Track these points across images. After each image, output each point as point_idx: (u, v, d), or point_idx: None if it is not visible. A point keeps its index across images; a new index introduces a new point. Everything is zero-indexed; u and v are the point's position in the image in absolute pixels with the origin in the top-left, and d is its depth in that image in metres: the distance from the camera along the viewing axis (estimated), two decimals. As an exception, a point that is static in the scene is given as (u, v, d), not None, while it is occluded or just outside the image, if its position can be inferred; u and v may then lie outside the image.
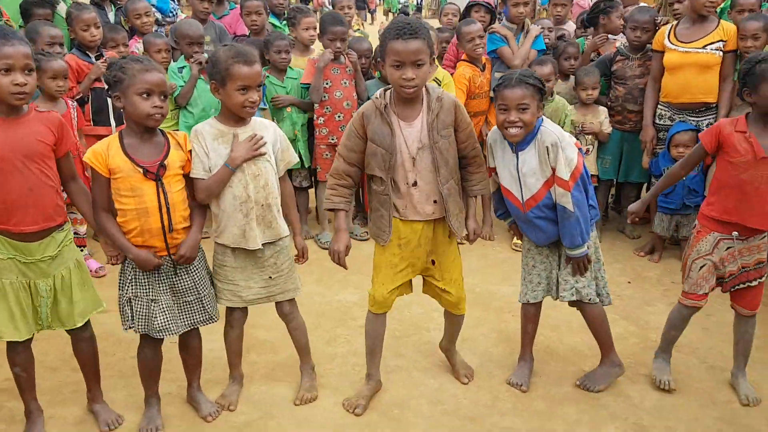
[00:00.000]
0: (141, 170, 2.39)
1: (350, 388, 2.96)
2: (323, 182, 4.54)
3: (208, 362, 2.91)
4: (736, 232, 2.78)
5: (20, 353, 2.51)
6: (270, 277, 2.71)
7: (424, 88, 2.57)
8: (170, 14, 5.94)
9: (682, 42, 4.18)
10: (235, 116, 2.56)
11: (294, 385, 2.98)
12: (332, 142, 4.55)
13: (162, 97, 2.39)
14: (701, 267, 2.85)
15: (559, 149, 2.64)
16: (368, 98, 4.51)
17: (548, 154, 2.64)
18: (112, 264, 2.58)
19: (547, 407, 2.89)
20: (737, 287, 2.88)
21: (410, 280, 2.83)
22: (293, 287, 2.79)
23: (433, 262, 2.77)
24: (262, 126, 2.64)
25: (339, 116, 4.53)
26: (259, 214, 2.59)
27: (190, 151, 2.53)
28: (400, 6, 35.06)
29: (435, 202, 2.65)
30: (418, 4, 38.13)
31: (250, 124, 2.60)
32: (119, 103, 2.38)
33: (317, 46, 4.89)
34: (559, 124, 4.49)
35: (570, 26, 5.62)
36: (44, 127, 2.36)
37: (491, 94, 4.72)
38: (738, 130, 2.72)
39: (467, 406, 2.88)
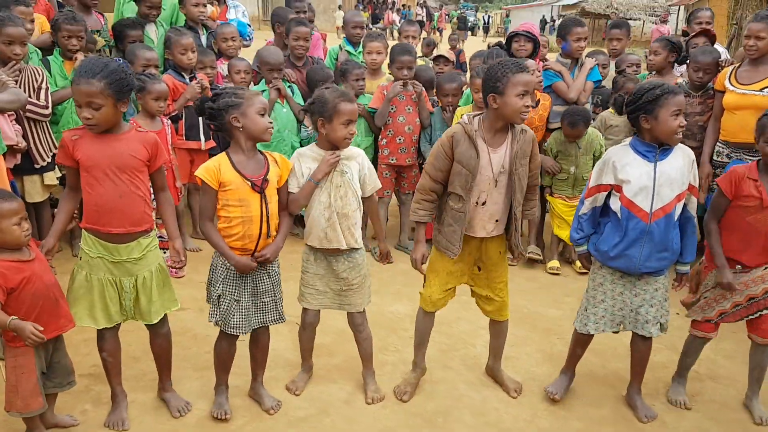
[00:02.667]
0: (249, 183, 2.72)
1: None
2: (381, 198, 4.85)
3: (270, 360, 3.16)
4: (739, 266, 2.99)
5: (107, 340, 2.81)
6: (341, 289, 3.02)
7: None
8: (247, 38, 6.37)
9: (741, 84, 4.27)
10: (332, 146, 2.89)
11: (348, 387, 3.24)
12: (392, 162, 4.89)
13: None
14: (705, 299, 3.11)
15: (695, 163, 2.88)
16: (430, 125, 4.81)
17: (692, 168, 2.84)
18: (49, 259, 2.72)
19: (584, 427, 3.04)
20: (751, 317, 3.02)
21: (455, 288, 3.14)
22: (361, 301, 3.08)
23: (479, 269, 3.05)
24: (351, 153, 2.97)
25: (400, 139, 4.85)
26: (336, 221, 2.91)
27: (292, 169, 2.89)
28: (470, 22, 35.15)
29: (497, 221, 2.93)
30: (485, 23, 38.35)
31: (342, 151, 2.93)
32: (237, 123, 2.69)
33: (386, 68, 5.17)
34: (593, 155, 4.67)
35: (632, 58, 5.64)
36: (140, 145, 2.68)
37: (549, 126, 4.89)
38: (750, 177, 2.92)
39: (507, 420, 3.06)
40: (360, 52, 5.59)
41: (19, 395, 2.53)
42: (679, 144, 2.87)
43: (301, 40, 5.20)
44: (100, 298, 2.71)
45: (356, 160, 2.97)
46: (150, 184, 2.77)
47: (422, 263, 3.03)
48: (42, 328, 2.42)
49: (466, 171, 2.82)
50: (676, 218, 2.86)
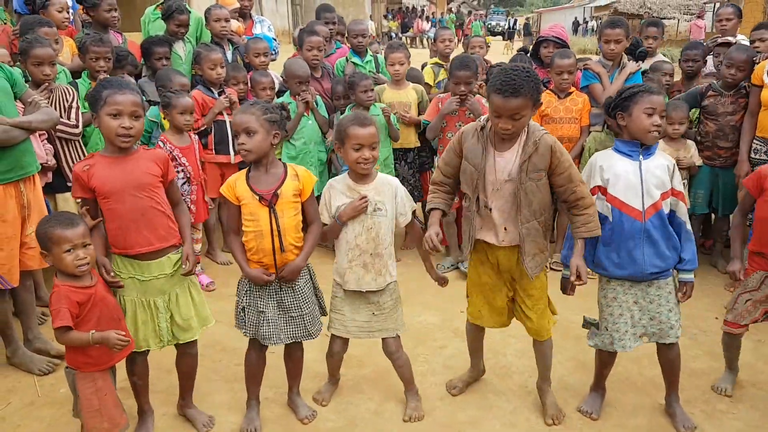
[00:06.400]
0: (257, 198, 2.74)
1: (429, 403, 3.16)
2: (446, 219, 4.76)
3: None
4: None
5: (138, 364, 2.82)
6: (373, 314, 2.99)
7: (525, 126, 2.71)
8: (273, 52, 6.44)
9: None
10: (357, 174, 2.87)
11: (377, 398, 3.22)
12: None
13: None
14: (746, 301, 3.05)
15: (677, 169, 2.86)
16: None
17: (673, 171, 2.82)
18: (112, 287, 2.69)
19: (619, 436, 2.96)
20: None
21: (510, 316, 3.06)
22: (394, 326, 3.03)
23: (513, 278, 2.94)
24: (385, 182, 2.93)
25: None
26: (368, 262, 2.89)
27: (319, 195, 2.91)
28: (494, 25, 34.67)
29: (505, 229, 2.81)
30: (510, 28, 37.82)
31: (373, 183, 2.90)
32: (277, 139, 2.74)
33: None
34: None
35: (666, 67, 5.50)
36: (152, 163, 2.71)
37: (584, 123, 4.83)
38: None
39: (539, 430, 3.00)
40: (367, 62, 5.58)
41: (105, 416, 2.54)
42: (660, 151, 2.89)
43: (314, 50, 5.18)
44: (132, 320, 2.72)
45: (390, 191, 2.91)
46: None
47: (435, 241, 2.76)
48: (124, 333, 2.48)
49: (471, 168, 2.78)
50: (667, 215, 2.82)
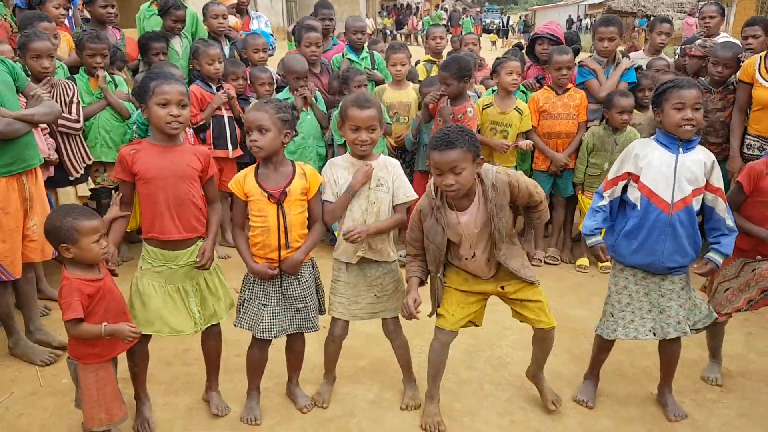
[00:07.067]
0: (266, 195, 2.79)
1: (424, 394, 3.19)
2: None
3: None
4: (759, 256, 3.01)
5: (139, 352, 2.87)
6: (376, 295, 3.03)
7: (477, 178, 2.70)
8: (270, 47, 6.47)
9: None
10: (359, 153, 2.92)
11: (375, 389, 3.28)
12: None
13: None
14: (726, 290, 3.11)
15: (718, 167, 2.86)
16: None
17: (712, 167, 2.82)
18: (113, 268, 2.76)
19: (613, 425, 3.02)
20: None
21: (482, 312, 3.01)
22: (395, 306, 3.07)
23: (503, 288, 2.90)
24: (387, 162, 2.98)
25: None
26: (373, 237, 2.91)
27: (321, 184, 2.90)
28: (488, 23, 34.24)
29: (489, 260, 2.83)
30: (504, 26, 37.67)
31: (376, 160, 2.95)
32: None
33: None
34: None
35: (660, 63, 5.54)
36: (194, 156, 2.81)
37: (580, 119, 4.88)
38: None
39: (535, 419, 3.06)
40: (363, 59, 5.61)
41: (102, 407, 2.59)
42: (702, 147, 2.88)
43: (312, 46, 5.21)
44: (162, 307, 2.79)
45: (390, 170, 2.96)
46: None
47: (412, 308, 2.81)
48: (135, 325, 2.56)
49: (433, 246, 2.81)
50: (696, 213, 2.84)
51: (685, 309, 2.91)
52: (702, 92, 4.54)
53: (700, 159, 2.82)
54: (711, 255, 2.91)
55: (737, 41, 5.13)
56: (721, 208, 2.84)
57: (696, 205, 2.83)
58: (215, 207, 2.96)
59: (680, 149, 2.82)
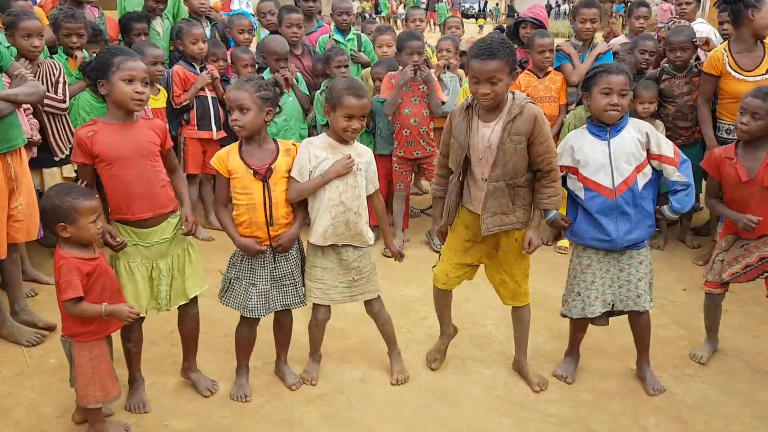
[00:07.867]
0: (252, 172, 2.79)
1: (412, 371, 3.28)
2: (399, 192, 4.88)
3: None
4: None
5: (135, 331, 2.87)
6: (353, 279, 3.05)
7: (510, 95, 2.80)
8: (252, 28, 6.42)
9: (746, 71, 4.26)
10: (339, 136, 2.93)
11: (363, 367, 3.33)
12: (401, 155, 4.78)
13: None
14: (721, 261, 3.23)
15: (656, 133, 2.94)
16: (442, 114, 4.63)
17: (648, 138, 2.90)
18: (116, 251, 2.77)
19: (593, 399, 3.11)
20: (765, 275, 3.16)
21: (475, 268, 3.16)
22: (373, 288, 3.12)
23: (496, 250, 3.03)
24: (363, 150, 3.01)
25: (406, 132, 4.71)
26: (351, 220, 2.93)
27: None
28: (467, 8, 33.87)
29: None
30: (480, 10, 37.49)
31: (352, 146, 2.97)
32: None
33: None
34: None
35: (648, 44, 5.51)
36: (152, 131, 2.80)
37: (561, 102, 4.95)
38: (727, 157, 3.07)
39: (518, 394, 3.14)
40: (349, 40, 5.60)
41: (97, 384, 2.60)
42: (634, 119, 2.99)
43: (294, 27, 5.17)
44: (143, 284, 2.79)
45: (365, 157, 2.99)
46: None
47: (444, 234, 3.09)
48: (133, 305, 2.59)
49: (456, 144, 2.88)
50: (641, 188, 2.93)
51: (644, 282, 3.01)
52: (659, 81, 4.63)
53: (632, 137, 2.91)
54: (663, 208, 3.05)
55: (712, 27, 5.22)
56: (670, 170, 2.93)
57: (643, 179, 2.93)
58: (179, 174, 2.97)
59: (609, 135, 2.91)
